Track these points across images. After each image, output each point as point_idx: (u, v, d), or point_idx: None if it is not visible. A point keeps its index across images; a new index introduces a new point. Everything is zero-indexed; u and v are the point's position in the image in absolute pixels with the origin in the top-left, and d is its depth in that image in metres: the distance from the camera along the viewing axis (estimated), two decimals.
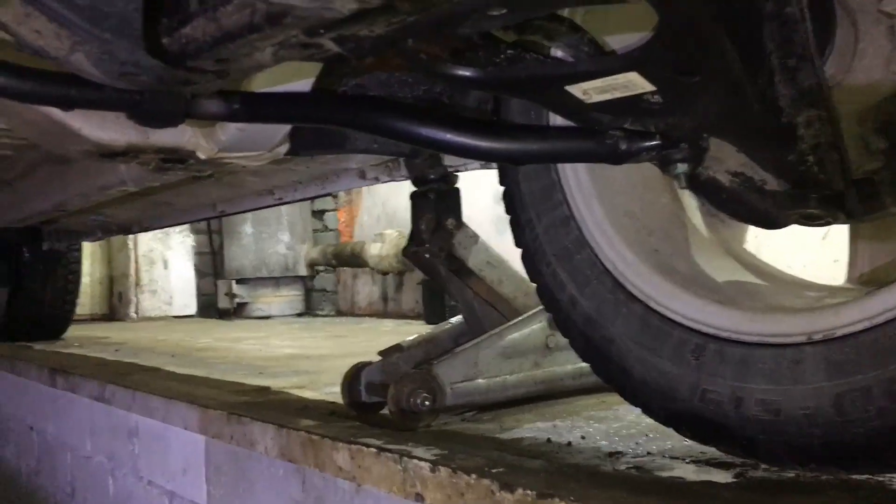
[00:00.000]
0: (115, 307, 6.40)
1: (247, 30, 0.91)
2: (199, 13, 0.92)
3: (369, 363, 1.63)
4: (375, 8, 0.77)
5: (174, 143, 1.39)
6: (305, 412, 1.72)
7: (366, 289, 5.40)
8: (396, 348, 1.64)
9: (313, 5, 0.76)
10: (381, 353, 1.67)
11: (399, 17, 0.81)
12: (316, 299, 5.85)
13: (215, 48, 1.00)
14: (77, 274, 4.26)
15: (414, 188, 1.78)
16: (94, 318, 6.15)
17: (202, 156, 1.43)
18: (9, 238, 3.62)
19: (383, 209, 5.17)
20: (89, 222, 3.31)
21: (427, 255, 1.67)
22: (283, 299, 5.69)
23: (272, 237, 5.59)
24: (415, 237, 1.70)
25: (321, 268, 5.65)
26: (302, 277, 5.74)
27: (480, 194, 3.19)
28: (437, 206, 1.71)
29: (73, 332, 4.38)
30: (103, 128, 1.34)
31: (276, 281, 5.65)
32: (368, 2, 0.75)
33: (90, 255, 5.70)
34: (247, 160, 1.45)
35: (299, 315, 5.72)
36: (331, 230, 5.76)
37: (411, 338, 1.71)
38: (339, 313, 5.61)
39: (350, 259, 5.15)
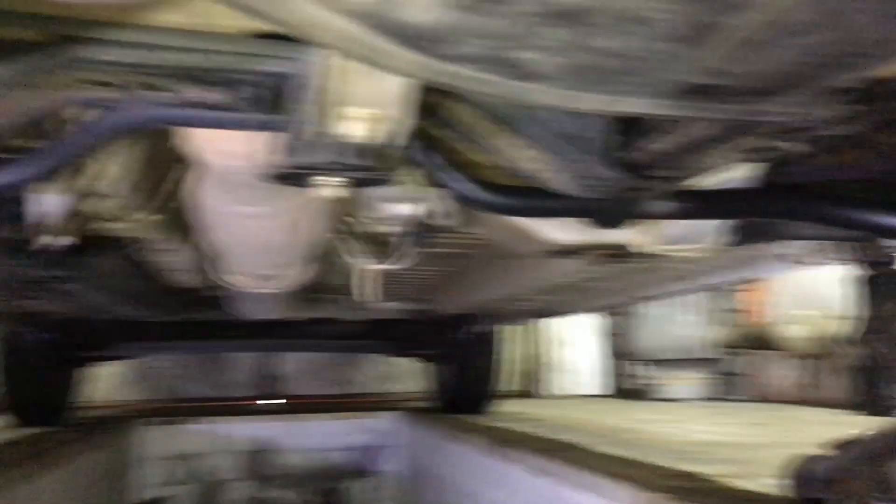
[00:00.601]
0: (530, 385, 6.87)
1: (713, 141, 1.00)
2: (668, 129, 1.03)
3: (820, 455, 1.56)
4: (854, 112, 0.80)
5: (621, 240, 1.53)
6: (748, 503, 1.69)
7: (781, 373, 5.08)
8: (852, 441, 1.55)
9: (793, 117, 0.81)
10: (834, 445, 1.59)
11: (873, 117, 0.83)
12: (725, 383, 5.66)
13: (677, 158, 1.10)
14: (499, 354, 4.70)
15: (850, 271, 1.70)
16: (512, 395, 6.66)
17: (645, 251, 1.54)
18: (450, 322, 4.16)
19: (797, 288, 4.87)
20: (515, 308, 3.65)
21: (884, 343, 1.57)
22: (691, 382, 5.61)
23: (678, 318, 5.59)
24: (866, 322, 1.61)
25: (730, 350, 5.47)
26: (709, 360, 5.61)
27: None
28: (887, 290, 1.61)
29: (495, 407, 4.79)
30: (561, 230, 1.53)
31: (683, 363, 5.61)
32: (849, 110, 0.79)
33: (508, 336, 6.23)
34: (687, 252, 1.53)
35: (708, 399, 5.58)
36: (738, 311, 5.57)
37: (864, 431, 1.60)
38: (752, 398, 5.35)
39: (762, 341, 4.92)
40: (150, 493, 4.80)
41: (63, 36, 1.00)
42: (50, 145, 1.16)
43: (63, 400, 4.23)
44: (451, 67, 0.68)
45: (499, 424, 3.90)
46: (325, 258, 2.34)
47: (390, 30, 0.62)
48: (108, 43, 1.00)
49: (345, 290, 3.19)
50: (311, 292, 2.99)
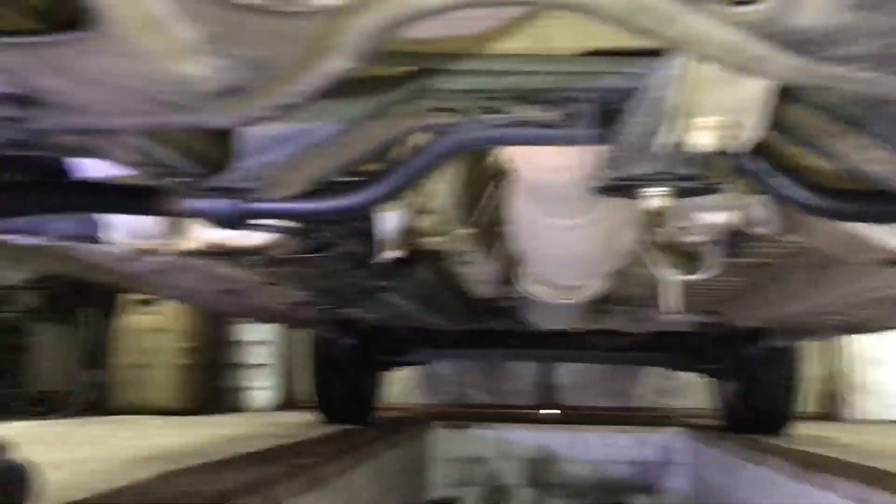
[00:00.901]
0: (828, 407, 6.29)
1: None
2: None
3: None
4: None
5: None
6: None
7: None
8: None
9: None
10: None
11: None
12: None
13: None
14: (796, 371, 4.35)
15: None
16: (808, 417, 6.15)
17: None
18: (741, 335, 3.94)
19: None
20: (820, 322, 3.37)
21: None
22: None
23: None
24: None
25: None
26: None
27: None
28: None
29: (790, 429, 4.44)
30: None
31: None
32: None
33: (805, 352, 5.77)
34: None
35: None
36: None
37: None
38: None
39: None
40: (439, 493, 5.09)
41: (416, 69, 1.11)
42: (396, 168, 1.28)
43: (365, 400, 4.63)
44: (833, 69, 0.66)
45: (802, 448, 3.63)
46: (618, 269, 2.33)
47: (776, 36, 0.61)
48: (455, 72, 1.09)
49: (631, 300, 3.16)
50: (599, 303, 3.00)
